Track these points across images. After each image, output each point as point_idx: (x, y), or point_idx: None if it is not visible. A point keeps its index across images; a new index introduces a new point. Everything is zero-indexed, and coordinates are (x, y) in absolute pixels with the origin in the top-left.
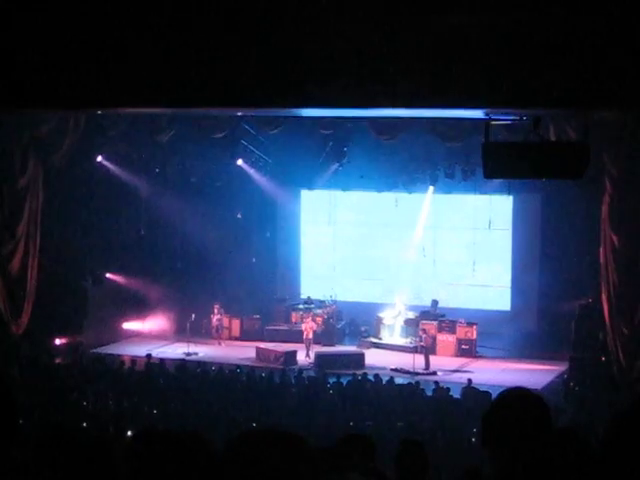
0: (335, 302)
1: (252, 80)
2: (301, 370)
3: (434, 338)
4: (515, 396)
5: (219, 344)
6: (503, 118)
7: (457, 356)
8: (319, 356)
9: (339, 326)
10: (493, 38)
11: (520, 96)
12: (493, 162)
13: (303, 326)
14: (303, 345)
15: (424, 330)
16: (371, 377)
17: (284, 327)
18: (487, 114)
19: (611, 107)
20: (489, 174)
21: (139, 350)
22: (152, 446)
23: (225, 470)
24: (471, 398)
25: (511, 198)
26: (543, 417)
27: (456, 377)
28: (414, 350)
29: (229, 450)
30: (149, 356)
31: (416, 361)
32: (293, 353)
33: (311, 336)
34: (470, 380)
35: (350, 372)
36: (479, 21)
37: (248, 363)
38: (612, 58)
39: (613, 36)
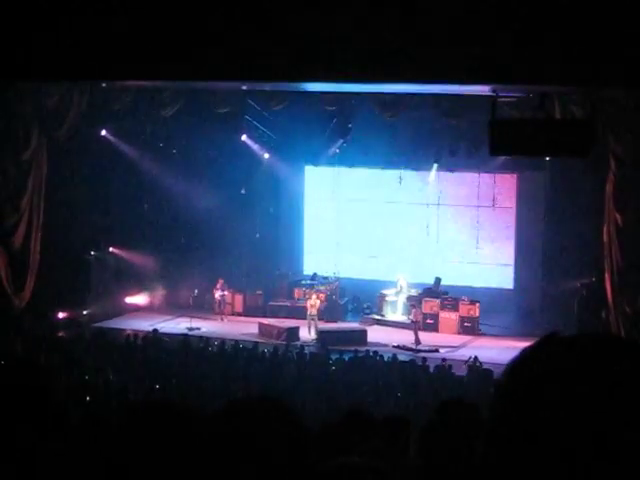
0: (338, 279)
1: (257, 53)
2: (303, 346)
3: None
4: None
5: (222, 319)
6: (510, 95)
7: (459, 334)
8: (321, 332)
9: (342, 303)
10: (500, 15)
11: (527, 73)
12: (499, 139)
13: (307, 303)
14: (306, 321)
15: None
16: (373, 354)
17: (287, 303)
18: (494, 91)
19: (617, 85)
20: (494, 151)
21: (142, 325)
22: (141, 417)
23: (215, 441)
24: (474, 376)
25: (515, 176)
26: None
27: (458, 354)
28: (419, 327)
29: (220, 419)
30: (155, 331)
31: (418, 338)
32: (296, 329)
33: (315, 312)
34: (476, 357)
35: (352, 349)
36: None
37: (250, 339)
38: (618, 36)
39: (620, 14)
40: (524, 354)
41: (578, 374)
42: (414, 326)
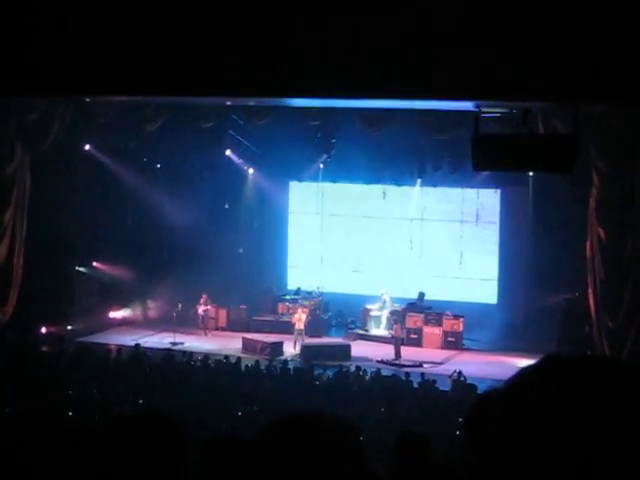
0: (322, 294)
1: (240, 69)
2: (287, 361)
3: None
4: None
5: (205, 334)
6: (493, 110)
7: (443, 348)
8: (305, 347)
9: (326, 317)
10: (483, 30)
11: (510, 88)
12: (482, 154)
13: (293, 317)
14: (289, 336)
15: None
16: (356, 369)
17: (270, 318)
18: (477, 106)
19: (600, 101)
20: (478, 166)
21: (125, 339)
22: (124, 431)
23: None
24: (458, 390)
25: (499, 192)
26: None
27: (442, 369)
28: (401, 342)
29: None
30: (137, 345)
31: (402, 353)
32: (280, 344)
33: (302, 327)
34: (460, 372)
35: (337, 363)
36: (470, 11)
37: (234, 353)
38: (602, 52)
39: (603, 30)
40: (524, 375)
41: (580, 399)
42: (395, 341)
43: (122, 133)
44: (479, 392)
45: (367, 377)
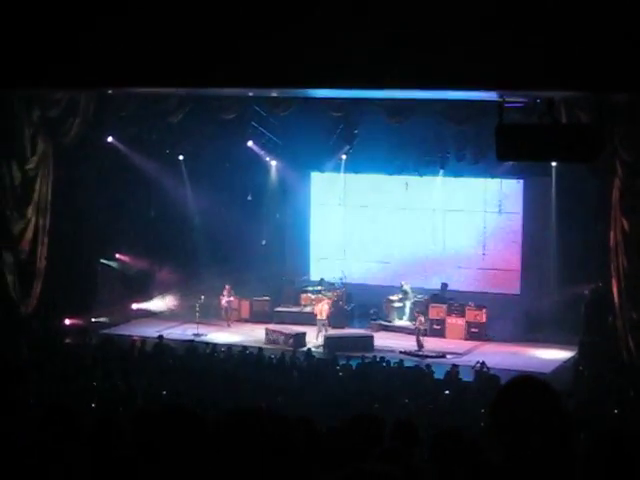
0: (344, 284)
1: (263, 59)
2: (310, 352)
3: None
4: (523, 384)
5: (228, 325)
6: (517, 100)
7: (466, 339)
8: (328, 338)
9: (348, 309)
10: (506, 20)
11: (534, 78)
12: (506, 144)
13: (316, 308)
14: (312, 327)
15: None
16: (380, 360)
17: (293, 309)
18: (501, 96)
19: (624, 90)
20: (501, 156)
21: (148, 331)
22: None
23: (220, 447)
24: (481, 382)
25: (522, 182)
26: (552, 404)
27: (465, 360)
28: (423, 333)
29: (225, 427)
30: (161, 337)
31: (425, 344)
32: (302, 335)
33: (325, 318)
34: (483, 362)
35: (359, 354)
36: (494, 2)
37: (257, 345)
38: (625, 40)
39: (626, 18)
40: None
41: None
42: (417, 332)
43: (145, 125)
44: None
45: (390, 368)
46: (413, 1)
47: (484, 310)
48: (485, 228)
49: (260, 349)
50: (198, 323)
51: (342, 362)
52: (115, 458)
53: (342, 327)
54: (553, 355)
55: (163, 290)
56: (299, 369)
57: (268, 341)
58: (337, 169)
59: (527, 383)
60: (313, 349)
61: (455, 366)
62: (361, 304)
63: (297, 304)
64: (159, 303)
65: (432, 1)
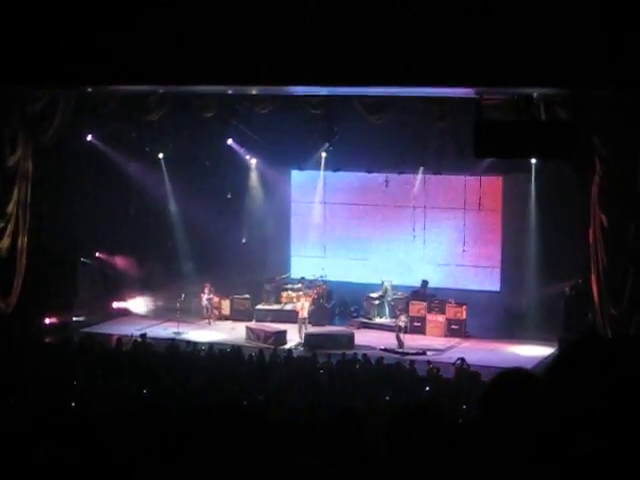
0: (325, 282)
1: (242, 56)
2: (291, 350)
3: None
4: (512, 376)
5: (209, 324)
6: (494, 97)
7: (446, 336)
8: (309, 336)
9: (329, 306)
10: (484, 17)
11: (512, 75)
12: (484, 141)
13: (296, 306)
14: (293, 325)
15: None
16: (360, 357)
17: (274, 307)
18: (478, 93)
19: (602, 87)
20: (480, 153)
21: (129, 329)
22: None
23: (187, 441)
24: (462, 379)
25: (501, 179)
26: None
27: (445, 357)
28: (404, 330)
29: (193, 422)
30: (143, 335)
31: (406, 341)
32: (283, 333)
33: (305, 315)
34: (463, 359)
35: (340, 352)
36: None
37: (238, 343)
38: (603, 38)
39: (604, 18)
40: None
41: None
42: (397, 330)
43: (124, 123)
44: (483, 379)
45: (370, 365)
46: (391, 1)
47: (464, 307)
48: (465, 225)
49: (240, 347)
50: (179, 321)
51: (322, 360)
52: (95, 455)
53: (323, 325)
54: (533, 352)
55: (143, 288)
56: (279, 367)
57: (249, 339)
58: (317, 167)
59: (516, 375)
60: (293, 347)
61: (429, 363)
62: (342, 302)
63: (278, 302)
64: (139, 302)
65: (410, 1)
